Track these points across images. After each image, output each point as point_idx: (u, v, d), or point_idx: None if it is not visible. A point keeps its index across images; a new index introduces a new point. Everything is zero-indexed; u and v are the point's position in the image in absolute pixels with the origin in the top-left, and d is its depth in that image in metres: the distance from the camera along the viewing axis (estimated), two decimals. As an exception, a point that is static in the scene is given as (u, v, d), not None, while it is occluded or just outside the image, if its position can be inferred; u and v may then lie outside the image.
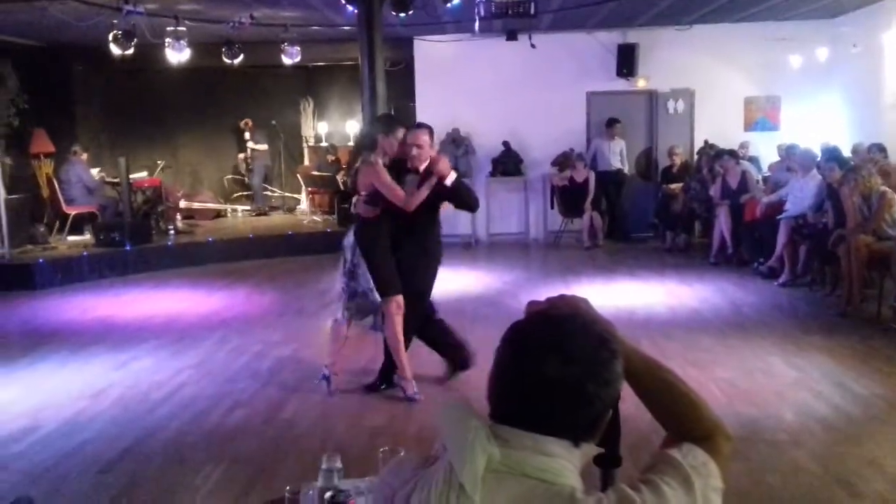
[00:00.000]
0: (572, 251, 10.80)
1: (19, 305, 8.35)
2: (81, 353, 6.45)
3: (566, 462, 1.22)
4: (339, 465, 1.89)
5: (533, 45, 10.64)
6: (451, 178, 5.03)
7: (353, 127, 13.75)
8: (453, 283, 8.93)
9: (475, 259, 10.62)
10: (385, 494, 1.31)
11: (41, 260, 9.26)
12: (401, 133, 5.14)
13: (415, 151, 5.00)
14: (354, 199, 5.23)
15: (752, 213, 9.02)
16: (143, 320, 7.50)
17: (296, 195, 13.94)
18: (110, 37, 8.44)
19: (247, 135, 13.33)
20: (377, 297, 5.10)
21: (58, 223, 10.82)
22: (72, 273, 9.35)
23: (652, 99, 11.83)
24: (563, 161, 11.35)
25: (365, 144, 5.29)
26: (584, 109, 11.85)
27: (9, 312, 8.12)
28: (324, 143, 13.43)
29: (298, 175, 13.31)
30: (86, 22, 8.31)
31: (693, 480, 1.26)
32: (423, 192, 4.99)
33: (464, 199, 5.31)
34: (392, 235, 5.19)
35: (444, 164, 5.04)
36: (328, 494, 1.74)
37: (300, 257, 10.67)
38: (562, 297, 1.44)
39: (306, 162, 13.73)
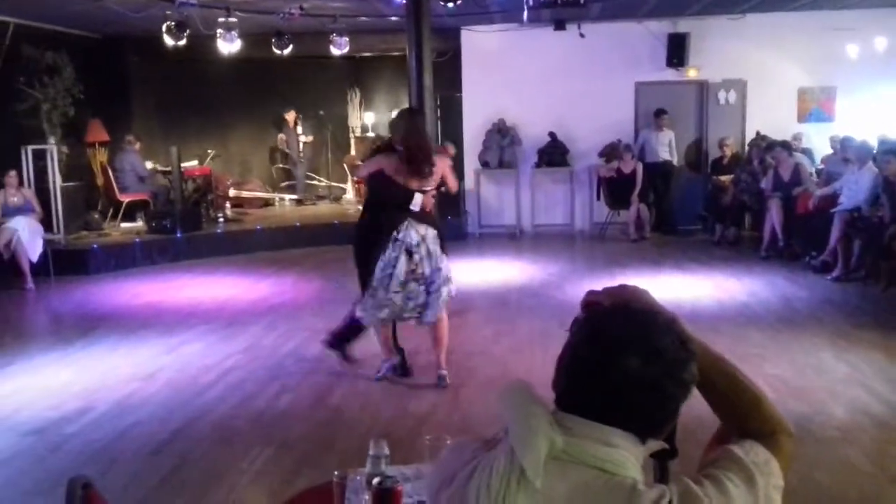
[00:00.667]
0: (618, 243, 10.70)
1: (74, 290, 8.59)
2: (133, 336, 6.61)
3: (628, 454, 1.22)
4: (386, 451, 1.91)
5: (582, 35, 10.54)
6: None
7: (399, 117, 13.78)
8: (498, 273, 8.94)
9: (520, 250, 10.59)
10: (444, 475, 1.32)
11: (95, 246, 9.51)
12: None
13: None
14: (419, 197, 4.99)
15: (805, 206, 8.83)
16: (192, 306, 7.64)
17: (342, 185, 14.05)
18: (163, 28, 8.61)
19: (299, 128, 13.41)
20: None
21: (111, 210, 11.08)
22: (124, 259, 9.58)
23: (702, 89, 11.63)
24: (611, 152, 11.23)
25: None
26: (632, 100, 11.71)
27: (64, 296, 8.36)
28: (370, 134, 13.49)
29: (345, 165, 13.41)
30: (140, 13, 8.47)
31: (756, 478, 1.25)
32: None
33: None
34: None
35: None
36: (375, 480, 1.75)
37: (346, 246, 10.64)
38: (623, 286, 1.43)
39: (353, 152, 13.82)
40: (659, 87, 11.57)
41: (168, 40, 8.72)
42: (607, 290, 1.45)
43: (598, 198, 11.35)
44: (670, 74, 11.47)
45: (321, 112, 13.70)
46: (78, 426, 4.70)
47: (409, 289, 5.06)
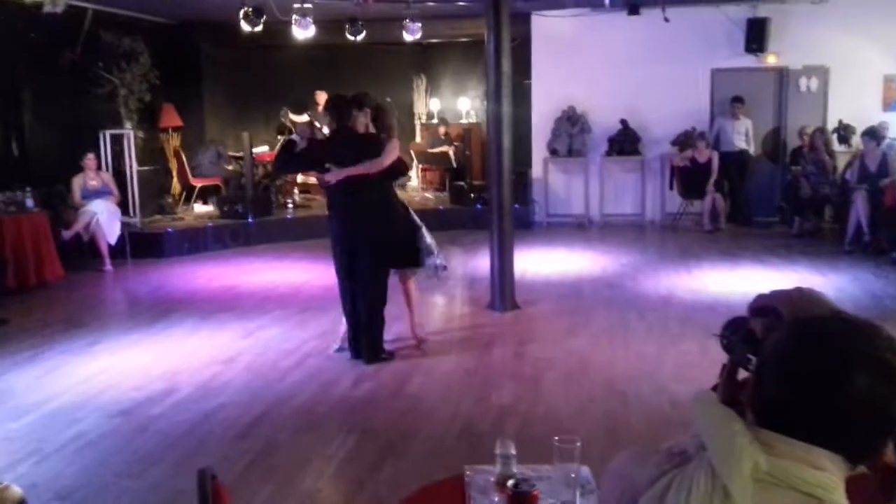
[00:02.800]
0: (692, 234, 10.43)
1: (150, 272, 8.75)
2: (211, 319, 6.68)
3: (836, 478, 1.11)
4: (513, 450, 1.83)
5: (666, 19, 10.23)
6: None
7: (464, 104, 13.70)
8: (569, 263, 8.80)
9: (589, 240, 10.42)
10: (624, 488, 1.23)
11: (170, 230, 9.68)
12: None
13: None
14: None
15: (894, 199, 8.45)
16: (267, 290, 7.70)
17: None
18: (240, 14, 8.66)
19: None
20: None
21: (184, 194, 11.26)
22: (198, 243, 9.73)
23: (782, 76, 11.23)
24: (685, 140, 10.95)
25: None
26: (707, 87, 11.37)
27: (141, 278, 8.53)
28: (435, 120, 13.42)
29: (411, 152, 13.37)
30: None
31: None
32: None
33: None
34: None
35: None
36: (511, 482, 1.67)
37: (413, 233, 10.72)
38: (799, 289, 1.31)
39: (418, 139, 13.79)
40: (736, 74, 11.21)
41: (245, 26, 8.78)
42: (782, 294, 1.34)
43: (671, 187, 11.07)
44: (748, 61, 11.10)
45: (388, 99, 13.65)
46: (163, 408, 4.76)
47: None
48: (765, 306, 1.33)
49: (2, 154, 9.29)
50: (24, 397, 4.97)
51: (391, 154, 5.36)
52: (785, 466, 1.10)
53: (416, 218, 5.69)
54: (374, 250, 5.36)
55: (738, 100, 10.87)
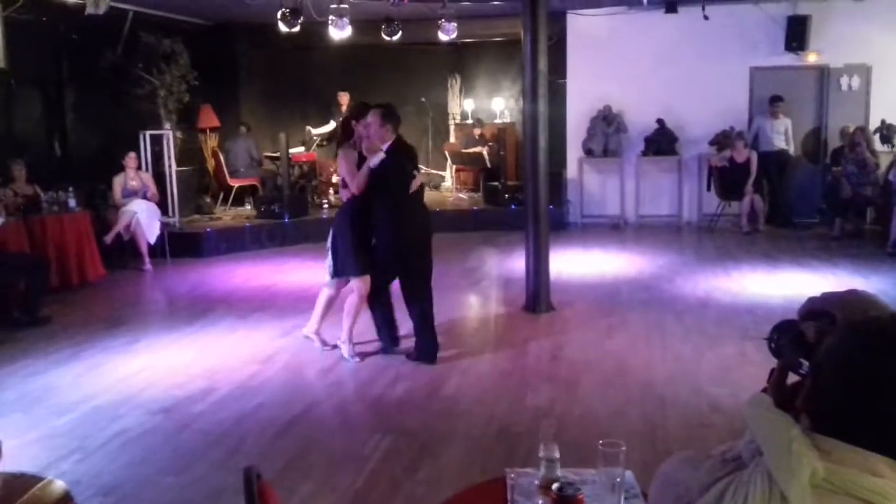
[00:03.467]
0: (730, 236, 10.30)
1: (189, 271, 8.86)
2: (248, 319, 6.75)
3: (894, 484, 1.09)
4: (557, 454, 1.82)
5: (706, 17, 10.11)
6: (373, 160, 5.23)
7: (499, 104, 13.68)
8: (605, 265, 8.74)
9: (624, 241, 10.34)
10: (676, 494, 1.22)
11: (208, 229, 9.80)
12: (368, 118, 5.30)
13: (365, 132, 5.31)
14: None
15: (939, 200, 8.26)
16: (303, 290, 7.75)
17: (440, 172, 14.04)
18: (278, 15, 8.74)
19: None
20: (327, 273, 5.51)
21: (222, 195, 11.39)
22: (235, 242, 9.84)
23: (823, 75, 11.03)
24: (723, 140, 10.81)
25: (345, 132, 5.50)
26: (746, 86, 11.21)
27: (180, 277, 8.64)
28: (469, 121, 13.41)
29: (446, 152, 13.39)
30: (255, 0, 8.62)
31: None
32: (362, 175, 5.26)
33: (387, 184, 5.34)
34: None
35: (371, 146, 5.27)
36: (555, 486, 1.66)
37: (447, 234, 10.72)
38: (852, 291, 1.29)
39: (452, 139, 13.79)
40: (776, 73, 11.04)
41: (282, 27, 8.86)
42: (835, 297, 1.32)
43: (709, 188, 10.93)
44: (788, 59, 10.93)
45: (423, 99, 13.71)
46: (203, 406, 4.82)
47: None
48: (816, 309, 1.31)
49: (45, 154, 9.48)
50: (66, 395, 5.06)
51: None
52: (843, 473, 1.08)
53: None
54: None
55: (777, 99, 10.70)
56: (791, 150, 10.85)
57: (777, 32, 10.81)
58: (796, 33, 10.67)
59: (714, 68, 10.99)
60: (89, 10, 7.15)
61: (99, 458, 4.13)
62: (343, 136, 5.63)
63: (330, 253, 5.47)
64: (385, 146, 5.27)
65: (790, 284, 7.50)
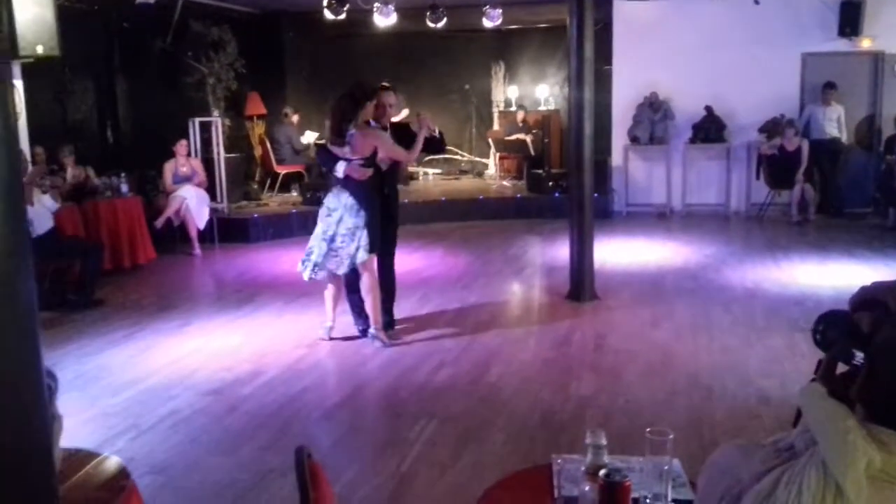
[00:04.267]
0: (779, 225, 10.12)
1: (236, 257, 9.02)
2: (294, 304, 6.85)
3: None
4: (604, 440, 1.83)
5: (757, 1, 9.92)
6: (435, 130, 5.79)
7: (543, 91, 13.59)
8: (650, 254, 8.67)
9: (670, 230, 10.23)
10: (728, 483, 1.22)
11: (255, 215, 9.95)
12: (382, 97, 5.57)
13: (387, 110, 5.62)
14: (343, 165, 5.39)
15: None
16: (347, 276, 7.83)
17: (484, 160, 14.03)
18: (324, 2, 8.80)
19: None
20: (357, 256, 5.43)
21: (268, 181, 11.55)
22: (281, 228, 9.97)
23: (877, 61, 10.74)
24: (773, 128, 10.60)
25: (347, 112, 5.44)
26: (797, 72, 10.98)
27: (228, 262, 8.80)
28: (513, 108, 13.36)
29: (490, 139, 13.37)
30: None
31: None
32: (419, 145, 5.64)
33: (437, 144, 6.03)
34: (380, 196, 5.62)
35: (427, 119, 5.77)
36: (602, 472, 1.67)
37: (490, 221, 10.77)
38: None
39: (496, 126, 13.76)
40: (828, 59, 10.78)
41: (328, 15, 8.92)
42: (886, 285, 1.30)
43: (758, 177, 10.75)
44: (841, 45, 10.66)
45: (466, 86, 13.70)
46: (251, 388, 4.92)
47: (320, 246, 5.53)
48: (869, 299, 1.30)
49: (98, 140, 9.71)
50: (120, 375, 5.21)
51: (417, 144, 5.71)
52: None
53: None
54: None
55: (830, 86, 10.46)
56: (844, 138, 10.61)
57: (830, 17, 10.55)
58: (850, 18, 10.40)
59: (764, 54, 10.77)
60: (141, -1, 7.30)
61: (151, 436, 4.25)
62: (339, 114, 5.46)
63: (366, 231, 5.42)
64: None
65: (841, 275, 7.35)
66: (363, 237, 5.42)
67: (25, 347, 1.22)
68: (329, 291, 5.77)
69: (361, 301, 5.68)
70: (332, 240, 5.47)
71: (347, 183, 5.44)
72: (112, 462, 2.44)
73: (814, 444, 1.13)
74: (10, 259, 1.16)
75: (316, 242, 5.57)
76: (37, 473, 1.30)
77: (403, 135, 5.71)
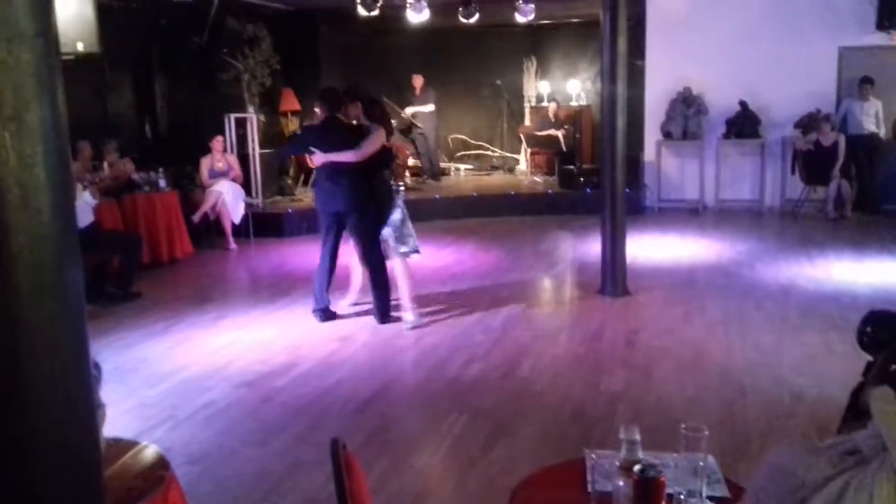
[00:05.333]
0: (814, 222, 9.98)
1: (271, 251, 9.13)
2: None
3: None
4: (638, 436, 1.84)
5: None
6: None
7: (575, 86, 13.53)
8: (682, 250, 8.61)
9: (703, 226, 10.14)
10: (790, 485, 1.21)
11: (290, 210, 10.05)
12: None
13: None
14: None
15: None
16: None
17: (515, 155, 14.01)
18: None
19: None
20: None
21: (302, 176, 11.65)
22: (315, 223, 9.98)
23: (918, 55, 10.54)
24: (809, 123, 10.44)
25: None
26: (834, 66, 10.80)
27: (263, 257, 8.92)
28: (545, 103, 13.32)
29: (521, 135, 13.34)
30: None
31: None
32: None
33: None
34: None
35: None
36: (637, 468, 1.69)
37: (521, 217, 10.76)
38: None
39: (527, 122, 13.73)
40: (866, 53, 10.58)
41: (361, 11, 8.98)
42: None
43: (793, 172, 10.60)
44: (879, 38, 10.45)
45: (498, 82, 13.68)
46: (285, 381, 4.99)
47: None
48: None
49: (136, 136, 9.87)
50: (158, 366, 5.32)
51: (370, 145, 5.95)
52: None
53: (400, 205, 6.10)
54: (355, 224, 6.14)
55: (867, 80, 10.27)
56: (882, 133, 10.41)
57: (868, 11, 10.36)
58: (888, 11, 10.19)
59: (800, 48, 10.61)
60: (178, -4, 7.40)
61: (188, 427, 4.34)
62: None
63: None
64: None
65: (878, 273, 7.25)
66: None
67: (74, 338, 1.27)
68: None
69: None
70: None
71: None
72: (151, 451, 2.50)
73: (884, 450, 1.12)
74: (60, 254, 1.20)
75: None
76: (84, 461, 1.35)
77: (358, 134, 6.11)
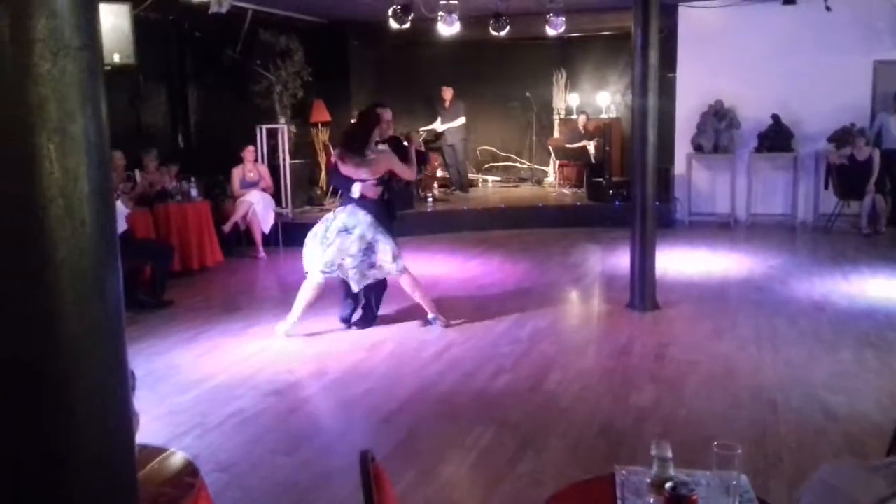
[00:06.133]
0: (848, 237, 9.83)
1: (300, 261, 9.06)
2: (355, 308, 6.93)
3: None
4: (669, 453, 1.82)
5: (828, 8, 9.67)
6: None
7: (604, 98, 13.50)
8: (712, 264, 8.53)
9: (734, 240, 10.04)
10: (844, 501, 1.19)
11: (319, 220, 10.07)
12: (383, 116, 6.04)
13: (388, 126, 6.09)
14: (358, 186, 5.90)
15: None
16: (407, 282, 7.91)
17: (543, 167, 13.99)
18: (390, 12, 8.92)
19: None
20: (393, 266, 5.93)
21: (332, 186, 11.71)
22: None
23: (955, 69, 10.37)
24: (842, 137, 10.31)
25: (364, 138, 5.92)
26: (869, 80, 10.66)
27: (292, 266, 8.93)
28: (574, 116, 13.30)
29: (549, 147, 13.33)
30: (366, -1, 8.85)
31: None
32: (414, 161, 6.17)
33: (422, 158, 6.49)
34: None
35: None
36: (669, 485, 1.67)
37: (549, 229, 10.73)
38: None
39: (556, 134, 13.71)
40: (903, 66, 10.45)
41: (393, 24, 9.04)
42: None
43: (826, 186, 10.47)
44: (915, 52, 10.33)
45: (528, 94, 13.69)
46: (313, 390, 5.02)
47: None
48: None
49: (169, 146, 10.01)
50: (188, 374, 5.37)
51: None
52: None
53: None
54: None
55: (903, 94, 10.13)
56: (918, 148, 10.25)
57: (905, 24, 10.23)
58: (927, 25, 10.06)
59: (834, 62, 10.50)
60: (213, 9, 7.50)
61: (217, 435, 4.36)
62: (361, 138, 5.96)
63: (389, 243, 5.93)
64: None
65: (914, 290, 7.12)
66: (388, 250, 5.88)
67: (113, 345, 1.29)
68: (314, 293, 6.07)
69: (361, 299, 6.30)
70: (356, 254, 5.86)
71: (363, 201, 5.92)
72: (180, 458, 2.51)
73: None
74: (101, 263, 1.23)
75: (327, 250, 5.97)
76: (120, 467, 1.36)
77: (395, 147, 6.16)
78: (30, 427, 1.17)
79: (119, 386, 1.30)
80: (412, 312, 6.63)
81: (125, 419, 1.34)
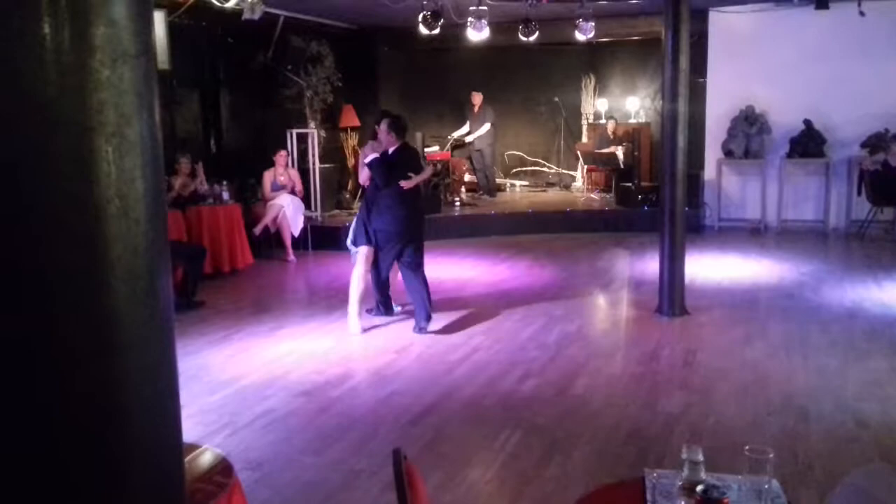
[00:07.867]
0: (881, 244, 9.70)
1: (329, 263, 9.27)
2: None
3: None
4: (701, 456, 1.82)
5: (862, 13, 9.57)
6: (368, 157, 6.33)
7: (633, 103, 13.45)
8: (742, 270, 8.46)
9: (764, 246, 9.94)
10: None
11: (348, 224, 10.12)
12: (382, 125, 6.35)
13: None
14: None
15: None
16: (434, 284, 7.84)
17: (571, 172, 13.97)
18: (419, 17, 8.98)
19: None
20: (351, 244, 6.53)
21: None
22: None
23: None
24: (876, 143, 10.18)
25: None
26: (903, 86, 10.52)
27: (321, 269, 9.06)
28: (602, 121, 13.27)
29: (578, 152, 13.31)
30: (399, 3, 8.89)
31: None
32: (361, 167, 6.51)
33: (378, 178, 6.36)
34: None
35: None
36: (700, 488, 1.68)
37: (577, 234, 10.71)
38: None
39: (584, 139, 13.68)
40: (939, 72, 10.29)
41: (423, 29, 9.09)
42: None
43: (859, 193, 10.34)
44: (952, 57, 10.17)
45: (556, 99, 13.68)
46: (341, 391, 5.06)
47: None
48: None
49: (202, 150, 10.15)
50: (218, 374, 5.44)
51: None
52: None
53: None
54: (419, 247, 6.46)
55: (939, 99, 9.99)
56: (954, 154, 10.08)
57: (941, 28, 10.08)
58: (964, 29, 9.91)
59: (868, 67, 10.37)
60: (246, 15, 7.61)
61: (247, 434, 4.43)
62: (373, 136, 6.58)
63: (357, 222, 6.44)
64: (391, 149, 6.27)
65: (949, 298, 7.01)
66: (351, 230, 6.54)
67: (163, 342, 1.33)
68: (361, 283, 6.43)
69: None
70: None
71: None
72: (214, 455, 2.55)
73: None
74: (153, 262, 1.27)
75: None
76: (167, 463, 1.39)
77: (410, 155, 6.51)
78: (85, 422, 1.21)
79: (169, 381, 1.34)
80: (441, 316, 6.67)
81: (175, 414, 1.39)
